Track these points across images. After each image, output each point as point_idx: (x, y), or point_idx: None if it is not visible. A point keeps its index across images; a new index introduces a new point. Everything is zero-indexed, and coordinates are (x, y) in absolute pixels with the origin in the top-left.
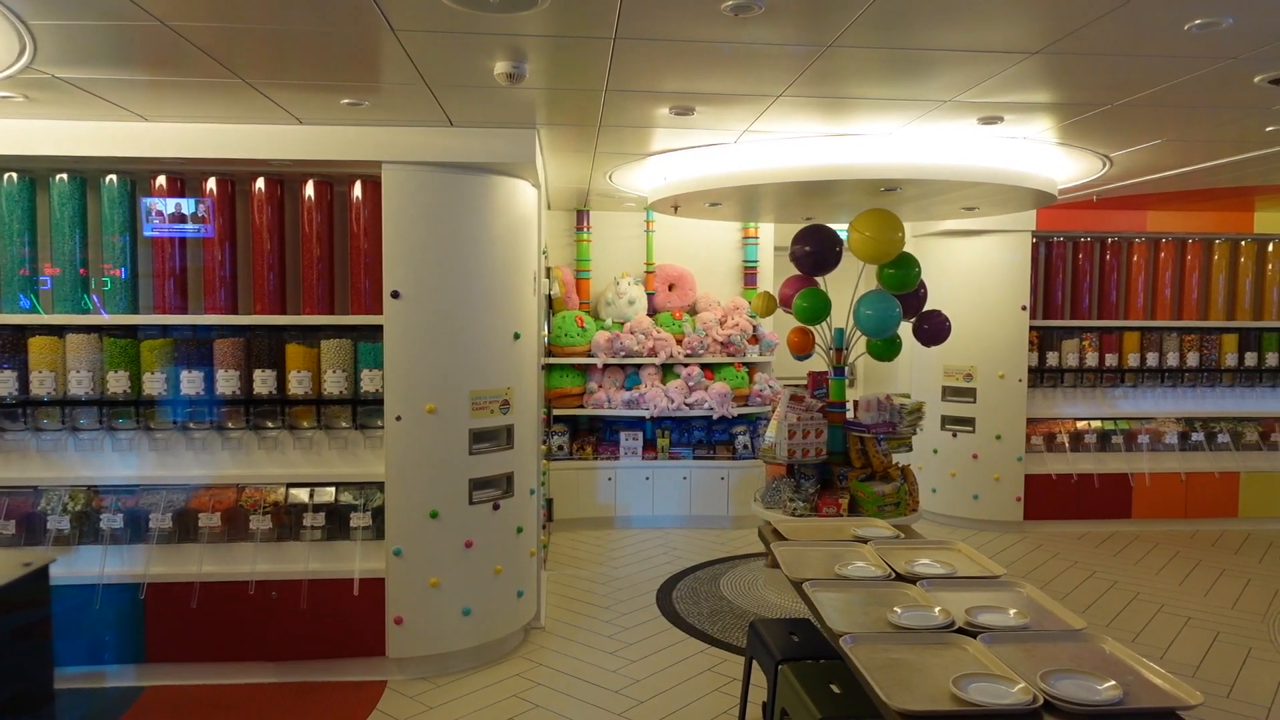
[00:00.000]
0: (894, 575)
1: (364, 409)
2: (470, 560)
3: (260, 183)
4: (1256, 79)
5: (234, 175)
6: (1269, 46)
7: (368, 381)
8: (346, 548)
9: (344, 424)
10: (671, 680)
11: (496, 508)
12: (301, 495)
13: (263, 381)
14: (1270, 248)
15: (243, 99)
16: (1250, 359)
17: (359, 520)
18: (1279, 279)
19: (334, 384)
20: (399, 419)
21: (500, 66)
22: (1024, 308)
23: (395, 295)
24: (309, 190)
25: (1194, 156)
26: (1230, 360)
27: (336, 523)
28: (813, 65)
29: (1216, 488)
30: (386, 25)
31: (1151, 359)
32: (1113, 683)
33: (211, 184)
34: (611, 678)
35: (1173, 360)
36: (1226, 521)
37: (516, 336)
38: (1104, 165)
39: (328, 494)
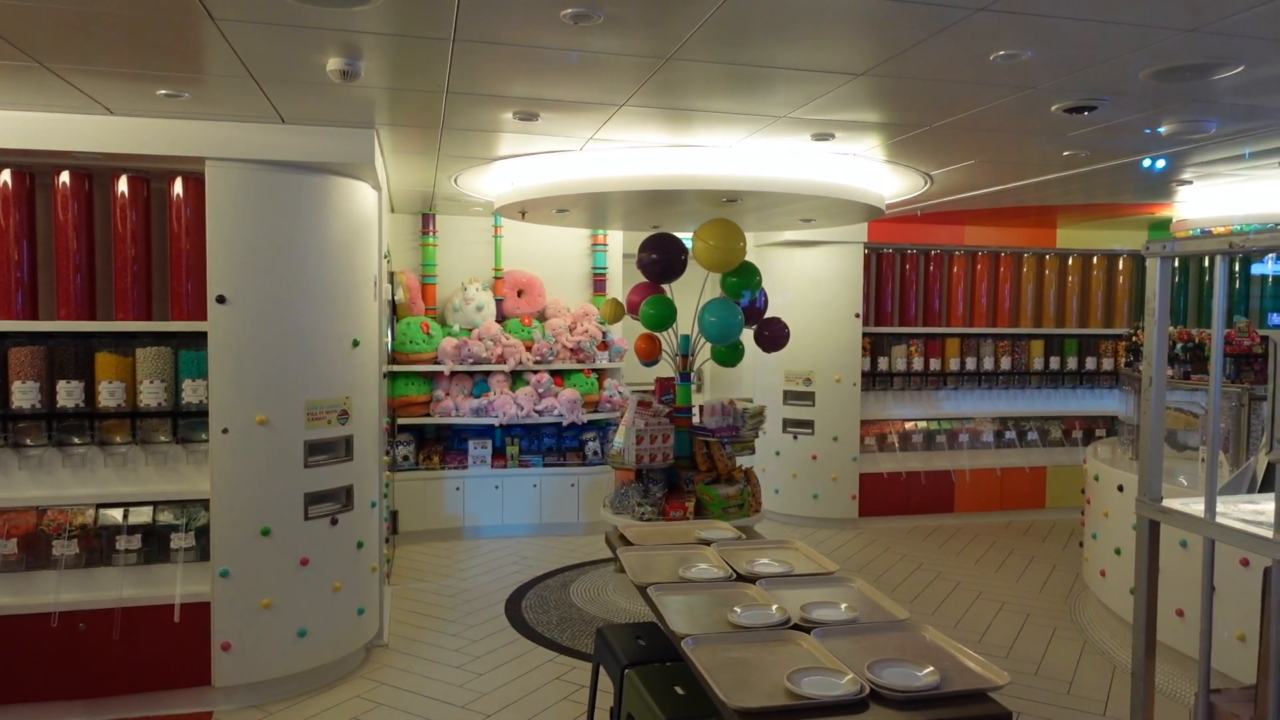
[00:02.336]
0: (735, 576)
1: (186, 421)
2: (306, 578)
3: (65, 177)
4: (1053, 107)
5: (33, 168)
6: (1064, 78)
7: (190, 392)
8: (166, 571)
9: (163, 438)
10: (520, 691)
11: (335, 522)
12: (115, 516)
13: (68, 394)
14: (1070, 261)
15: (44, 85)
16: (1054, 363)
17: (180, 541)
18: (1078, 290)
19: (152, 395)
20: (225, 431)
21: (333, 63)
22: (857, 315)
23: (221, 300)
24: (122, 186)
25: (1003, 176)
26: (1038, 364)
27: (155, 545)
28: (654, 76)
29: (1027, 482)
30: (205, 13)
31: (970, 363)
32: (931, 669)
33: (5, 176)
34: (458, 692)
35: (989, 364)
36: (1036, 513)
37: (356, 344)
38: (925, 182)
39: (144, 514)
